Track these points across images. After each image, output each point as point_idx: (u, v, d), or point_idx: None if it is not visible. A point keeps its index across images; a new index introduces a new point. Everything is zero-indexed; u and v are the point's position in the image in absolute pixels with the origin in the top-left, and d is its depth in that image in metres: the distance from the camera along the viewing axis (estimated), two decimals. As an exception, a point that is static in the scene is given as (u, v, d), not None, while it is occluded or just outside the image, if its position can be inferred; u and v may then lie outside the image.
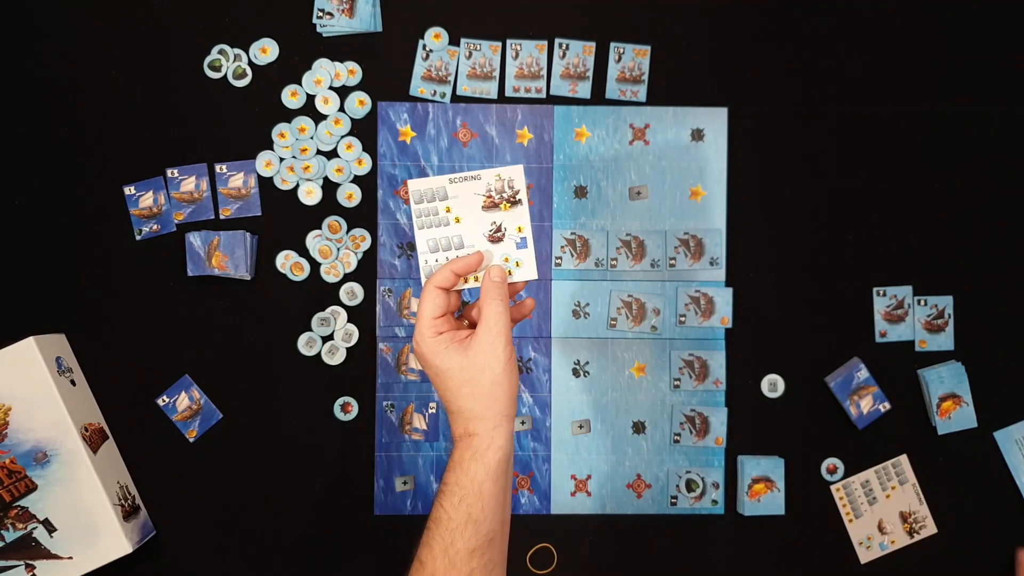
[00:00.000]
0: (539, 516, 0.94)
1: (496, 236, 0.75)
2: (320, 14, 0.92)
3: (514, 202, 0.74)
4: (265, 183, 0.93)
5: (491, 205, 0.74)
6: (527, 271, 0.75)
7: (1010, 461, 0.94)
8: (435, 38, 0.93)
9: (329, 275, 0.93)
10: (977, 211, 0.95)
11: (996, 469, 0.95)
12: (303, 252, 0.93)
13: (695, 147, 0.95)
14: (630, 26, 0.94)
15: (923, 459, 0.94)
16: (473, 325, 0.75)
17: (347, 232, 0.93)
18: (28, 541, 0.84)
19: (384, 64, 0.94)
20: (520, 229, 0.74)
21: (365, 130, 0.94)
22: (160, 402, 0.92)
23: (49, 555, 0.84)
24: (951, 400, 0.93)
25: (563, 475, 0.94)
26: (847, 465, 0.94)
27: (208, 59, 0.93)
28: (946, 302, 0.94)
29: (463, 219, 0.74)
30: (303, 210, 0.93)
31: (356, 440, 0.93)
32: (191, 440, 0.92)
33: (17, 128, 0.92)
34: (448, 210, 0.74)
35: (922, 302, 0.94)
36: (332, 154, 0.93)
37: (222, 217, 0.93)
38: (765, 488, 0.93)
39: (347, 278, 0.93)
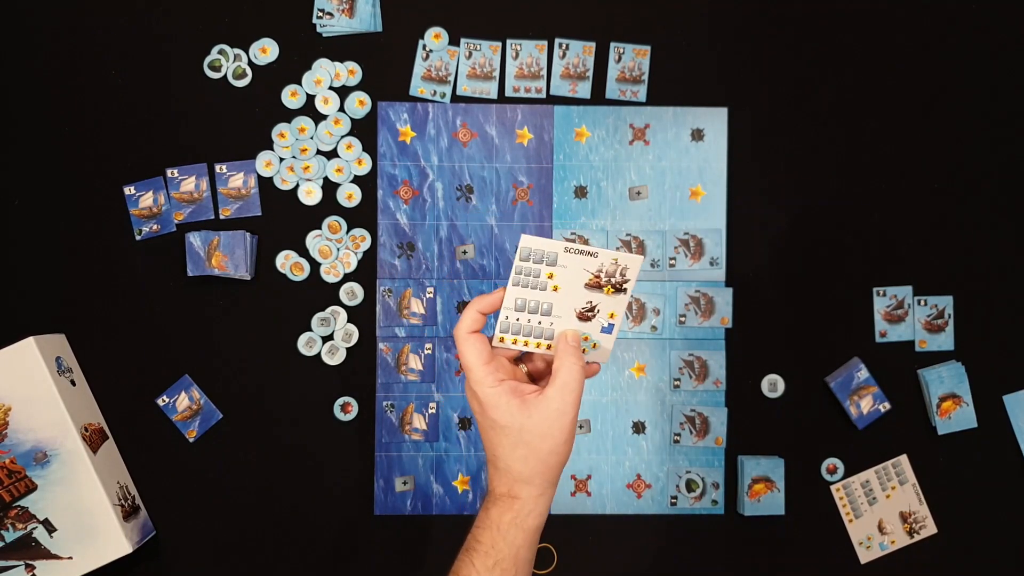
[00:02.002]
0: (539, 516, 0.94)
1: (586, 315, 0.70)
2: (320, 14, 0.92)
3: (619, 289, 0.70)
4: (265, 183, 0.93)
5: (595, 285, 0.69)
6: (601, 355, 0.72)
7: (1016, 425, 0.94)
8: (435, 38, 0.93)
9: (329, 275, 0.93)
10: (977, 211, 0.95)
11: (996, 469, 0.95)
12: (303, 252, 0.93)
13: (695, 147, 0.94)
14: (630, 26, 0.94)
15: (923, 459, 0.94)
16: (532, 377, 0.72)
17: (347, 232, 0.93)
18: (28, 541, 0.84)
19: (384, 64, 0.93)
20: (612, 315, 0.70)
21: (365, 130, 0.94)
22: (160, 402, 0.92)
23: (49, 555, 0.84)
24: (951, 400, 0.93)
25: (563, 475, 0.94)
26: (847, 465, 0.94)
27: (208, 59, 0.93)
28: (946, 302, 0.94)
29: (561, 289, 0.69)
30: (303, 210, 0.93)
31: (356, 440, 0.93)
32: (191, 440, 0.92)
33: (17, 128, 0.92)
34: (551, 276, 0.69)
35: (922, 302, 0.94)
36: (332, 154, 0.93)
37: (222, 217, 0.93)
38: (765, 488, 0.93)
39: (347, 278, 0.93)
